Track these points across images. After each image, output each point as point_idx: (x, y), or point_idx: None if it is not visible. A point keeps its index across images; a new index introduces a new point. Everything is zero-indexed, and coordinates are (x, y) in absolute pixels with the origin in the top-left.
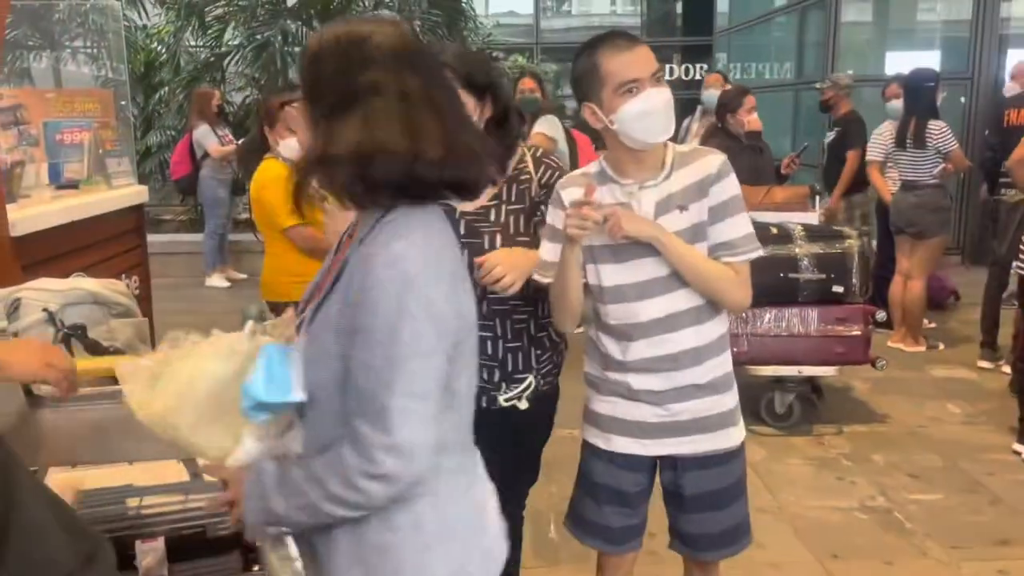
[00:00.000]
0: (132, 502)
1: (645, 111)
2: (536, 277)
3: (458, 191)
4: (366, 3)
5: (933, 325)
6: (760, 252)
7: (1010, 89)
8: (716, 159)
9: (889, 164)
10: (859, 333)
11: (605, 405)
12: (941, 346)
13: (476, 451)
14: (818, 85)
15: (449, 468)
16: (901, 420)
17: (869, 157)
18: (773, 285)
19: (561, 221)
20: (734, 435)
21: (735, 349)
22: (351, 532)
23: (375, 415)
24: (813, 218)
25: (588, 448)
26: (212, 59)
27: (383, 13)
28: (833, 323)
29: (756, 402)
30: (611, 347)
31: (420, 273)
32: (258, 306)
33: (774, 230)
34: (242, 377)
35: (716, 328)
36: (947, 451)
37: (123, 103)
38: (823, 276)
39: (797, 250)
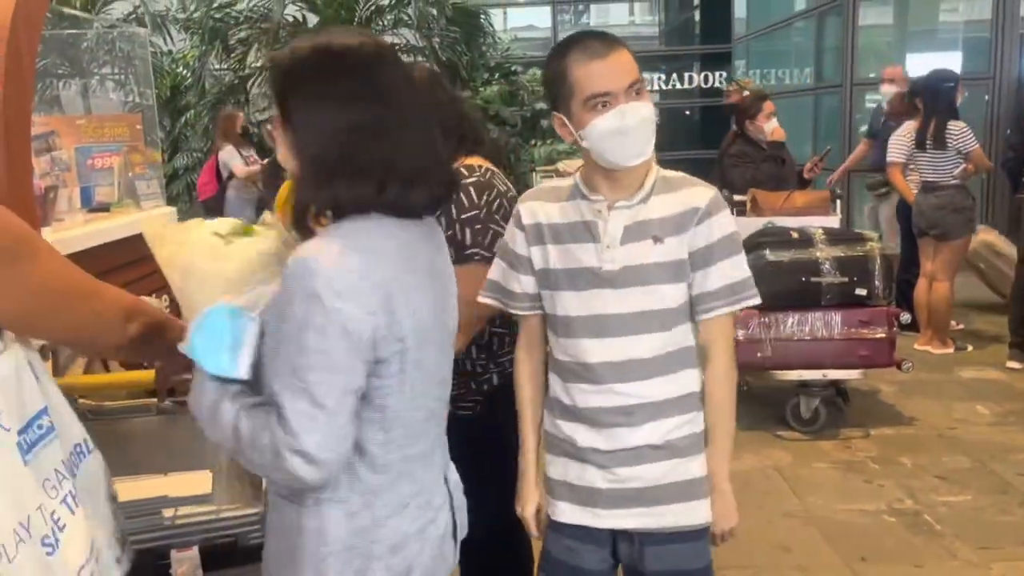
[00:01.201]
0: (167, 513)
1: (617, 129)
2: (481, 298)
3: (406, 213)
4: (385, 22)
5: (961, 326)
6: (757, 299)
7: None
8: (706, 192)
9: (910, 167)
10: (884, 336)
11: (555, 468)
12: (969, 347)
13: (434, 474)
14: (724, 87)
15: (372, 485)
16: (929, 422)
17: (891, 159)
18: (795, 289)
19: (518, 243)
20: (700, 511)
21: (758, 354)
22: (274, 528)
23: (282, 418)
24: (834, 221)
25: (550, 519)
26: (236, 81)
27: (402, 31)
28: (857, 326)
29: (781, 407)
30: (558, 389)
31: (328, 287)
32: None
33: (795, 234)
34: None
35: (686, 383)
36: (976, 452)
37: (151, 127)
38: (845, 279)
39: (819, 254)
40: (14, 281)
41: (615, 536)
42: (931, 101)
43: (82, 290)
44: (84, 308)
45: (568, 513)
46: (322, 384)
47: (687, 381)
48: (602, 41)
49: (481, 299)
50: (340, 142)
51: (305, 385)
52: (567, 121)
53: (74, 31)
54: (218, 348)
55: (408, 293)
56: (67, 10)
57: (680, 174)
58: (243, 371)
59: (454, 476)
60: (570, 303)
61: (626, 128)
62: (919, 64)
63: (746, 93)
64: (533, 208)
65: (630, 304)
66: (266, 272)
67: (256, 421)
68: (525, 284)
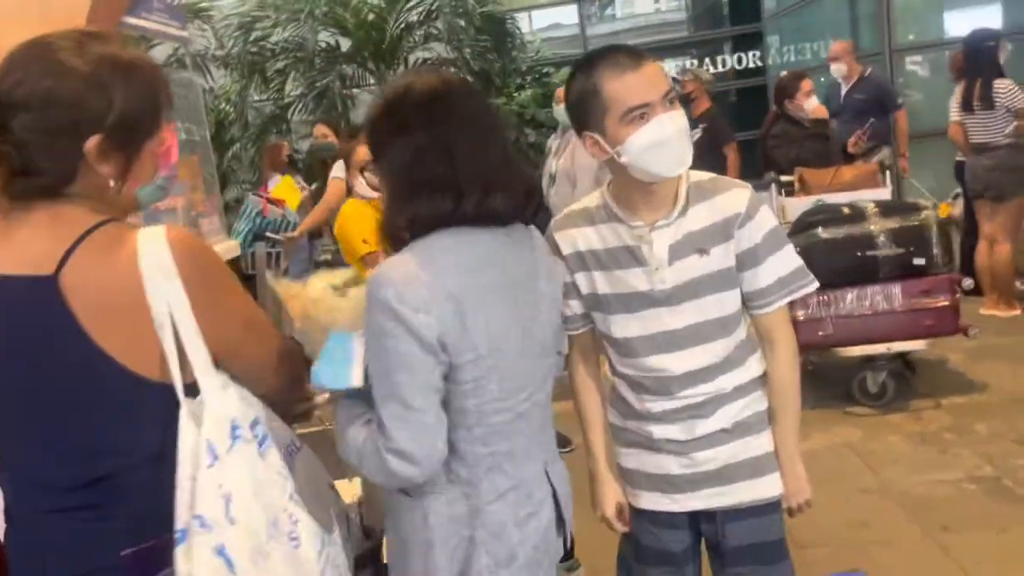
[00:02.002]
0: None
1: (658, 140)
2: None
3: (488, 221)
4: (415, 38)
5: None
6: (813, 286)
7: None
8: (743, 194)
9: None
10: (947, 303)
11: (629, 458)
12: None
13: (533, 468)
14: (677, 75)
15: (465, 477)
16: (1002, 387)
17: (952, 118)
18: (852, 265)
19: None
20: (771, 485)
21: (820, 333)
22: (391, 524)
23: (380, 423)
24: (885, 194)
25: (630, 505)
26: (277, 111)
27: (432, 46)
28: (918, 296)
29: (847, 383)
30: (628, 395)
31: (398, 298)
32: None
33: (846, 210)
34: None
35: (746, 373)
36: None
37: (206, 163)
38: (902, 250)
39: (872, 227)
40: (230, 310)
41: (695, 516)
42: (974, 61)
43: (271, 327)
44: (273, 343)
45: (647, 500)
46: (406, 385)
47: (750, 367)
48: (629, 54)
49: None
50: (413, 163)
51: (392, 388)
52: (600, 139)
53: None
54: (335, 366)
55: (483, 304)
56: None
57: (709, 175)
58: (357, 381)
59: (558, 468)
60: (627, 325)
61: (667, 138)
62: (960, 23)
63: (694, 84)
64: (571, 236)
65: (688, 318)
66: None
67: (365, 431)
68: (574, 307)
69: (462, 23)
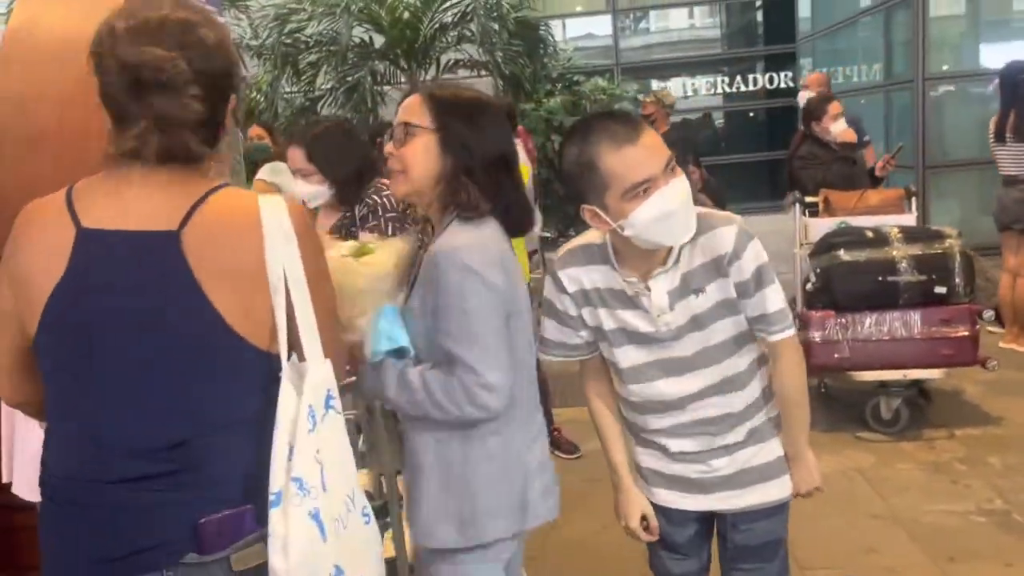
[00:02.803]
0: None
1: (663, 213)
2: (545, 357)
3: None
4: (448, 39)
5: None
6: (792, 331)
7: None
8: (729, 232)
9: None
10: (966, 334)
11: (646, 457)
12: None
13: (539, 412)
14: (640, 97)
15: (516, 418)
16: (1018, 422)
17: None
18: (872, 289)
19: (567, 306)
20: (780, 488)
21: (836, 355)
22: (440, 465)
23: (464, 365)
24: (910, 220)
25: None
26: (307, 103)
27: (465, 47)
28: (938, 324)
29: (861, 408)
30: (638, 419)
31: (473, 261)
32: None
33: (869, 234)
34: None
35: (756, 388)
36: None
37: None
38: (924, 277)
39: (895, 253)
40: (326, 286)
41: (706, 515)
42: (1009, 93)
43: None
44: (337, 330)
45: (662, 496)
46: (487, 331)
47: (763, 379)
48: (624, 124)
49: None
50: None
51: (475, 335)
52: (600, 212)
53: None
54: (389, 330)
55: (516, 272)
56: None
57: (696, 210)
58: (405, 342)
59: None
60: (635, 355)
61: (672, 210)
62: (994, 55)
63: (656, 107)
64: (574, 275)
65: (695, 345)
66: (386, 282)
67: (441, 375)
68: (584, 336)
69: (496, 27)
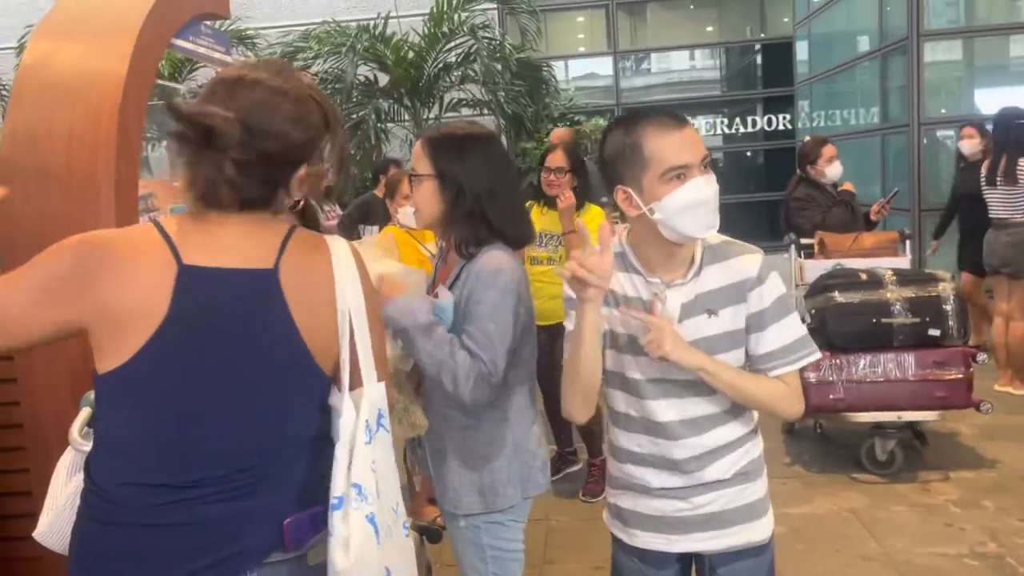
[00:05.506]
0: None
1: (694, 202)
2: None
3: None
4: (452, 78)
5: None
6: (817, 355)
7: None
8: (756, 259)
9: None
10: (960, 376)
11: (625, 499)
12: None
13: (535, 402)
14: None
15: (518, 403)
16: (1012, 465)
17: None
18: (866, 331)
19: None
20: (765, 526)
21: (831, 396)
22: (461, 447)
23: (490, 359)
24: (904, 263)
25: (615, 540)
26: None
27: (468, 87)
28: (932, 367)
29: (856, 449)
30: (625, 441)
31: (510, 281)
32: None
33: (864, 276)
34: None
35: (745, 424)
36: None
37: None
38: (918, 320)
39: (889, 295)
40: (378, 322)
41: (686, 556)
42: (1002, 137)
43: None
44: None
45: (642, 539)
46: (505, 338)
47: (746, 420)
48: (672, 116)
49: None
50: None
51: (498, 338)
52: (634, 195)
53: (156, 102)
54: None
55: (528, 288)
56: (157, 81)
57: (723, 238)
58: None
59: None
60: (637, 366)
61: (703, 200)
62: (989, 100)
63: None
64: (618, 279)
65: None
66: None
67: (469, 360)
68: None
69: (499, 67)
